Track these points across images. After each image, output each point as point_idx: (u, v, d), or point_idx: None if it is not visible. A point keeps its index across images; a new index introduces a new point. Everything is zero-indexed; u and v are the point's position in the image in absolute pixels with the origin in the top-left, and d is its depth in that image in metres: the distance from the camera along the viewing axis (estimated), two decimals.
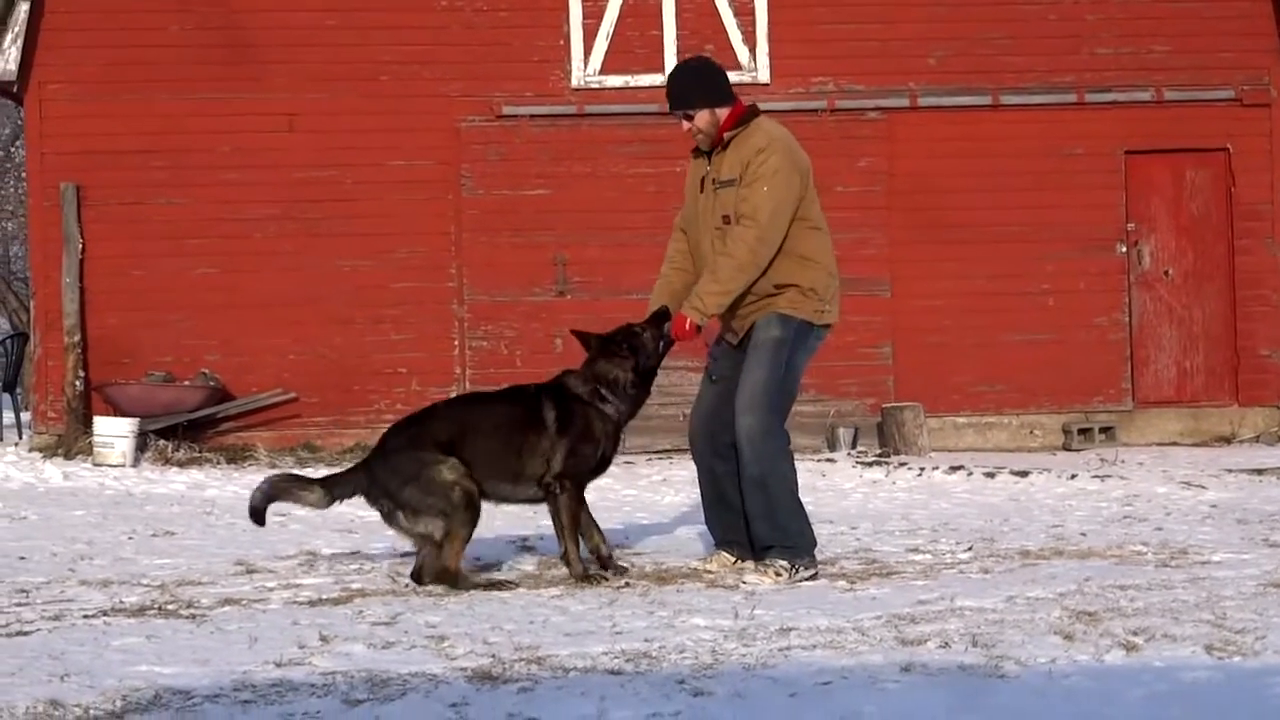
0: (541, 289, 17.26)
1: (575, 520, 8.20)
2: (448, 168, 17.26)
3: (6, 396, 19.69)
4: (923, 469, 14.53)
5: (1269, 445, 17.03)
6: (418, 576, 8.04)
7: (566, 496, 8.16)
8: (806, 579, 8.06)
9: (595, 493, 12.94)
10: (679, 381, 16.42)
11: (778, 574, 8.03)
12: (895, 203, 17.39)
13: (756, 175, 8.13)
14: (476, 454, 8.06)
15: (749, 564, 8.32)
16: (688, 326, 8.17)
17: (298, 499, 8.29)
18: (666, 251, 8.69)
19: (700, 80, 8.39)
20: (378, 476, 8.05)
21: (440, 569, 7.94)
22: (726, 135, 8.29)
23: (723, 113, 8.30)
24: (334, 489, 8.17)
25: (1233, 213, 17.83)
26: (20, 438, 18.20)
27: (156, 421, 16.10)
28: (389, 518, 8.05)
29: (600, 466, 8.39)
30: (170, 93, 17.06)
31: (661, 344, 8.33)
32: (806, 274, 8.27)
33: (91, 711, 5.42)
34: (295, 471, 8.27)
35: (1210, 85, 17.70)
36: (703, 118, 8.29)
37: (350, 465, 8.26)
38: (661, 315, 8.33)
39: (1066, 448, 17.07)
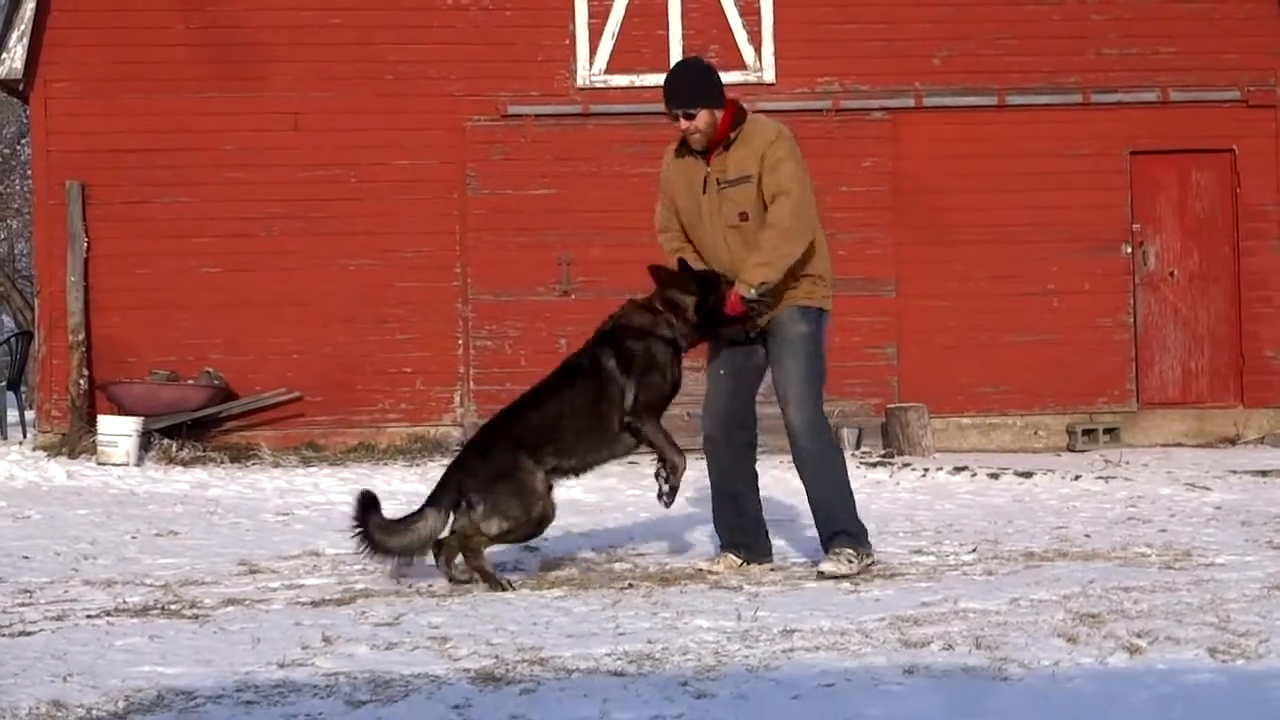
0: (546, 288, 17.26)
1: (669, 434, 8.31)
2: (453, 167, 17.27)
3: (11, 395, 19.71)
4: (927, 470, 14.53)
5: (1274, 447, 17.01)
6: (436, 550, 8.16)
7: (650, 425, 8.28)
8: (868, 564, 8.30)
9: (601, 493, 13.00)
10: (684, 382, 16.38)
11: (850, 561, 8.20)
12: (900, 203, 17.39)
13: (778, 158, 8.21)
14: (569, 439, 8.20)
15: (753, 566, 8.42)
16: (734, 300, 8.16)
17: (408, 547, 8.07)
18: (670, 246, 8.63)
19: (703, 81, 8.40)
20: (475, 469, 8.10)
21: (469, 544, 8.05)
22: (733, 135, 8.31)
23: (719, 114, 8.32)
24: (441, 504, 8.11)
25: (1238, 214, 17.82)
26: (24, 436, 18.23)
27: (160, 420, 16.12)
28: (469, 510, 8.04)
29: (672, 391, 8.42)
30: (175, 91, 17.08)
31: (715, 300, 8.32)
32: (817, 262, 8.39)
33: (94, 712, 5.42)
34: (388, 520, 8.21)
35: (1216, 86, 17.69)
36: (703, 118, 8.29)
37: (442, 476, 8.27)
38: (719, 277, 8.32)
39: (1071, 449, 17.07)
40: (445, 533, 8.13)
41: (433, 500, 8.16)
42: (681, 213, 8.53)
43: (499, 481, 8.04)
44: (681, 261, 8.36)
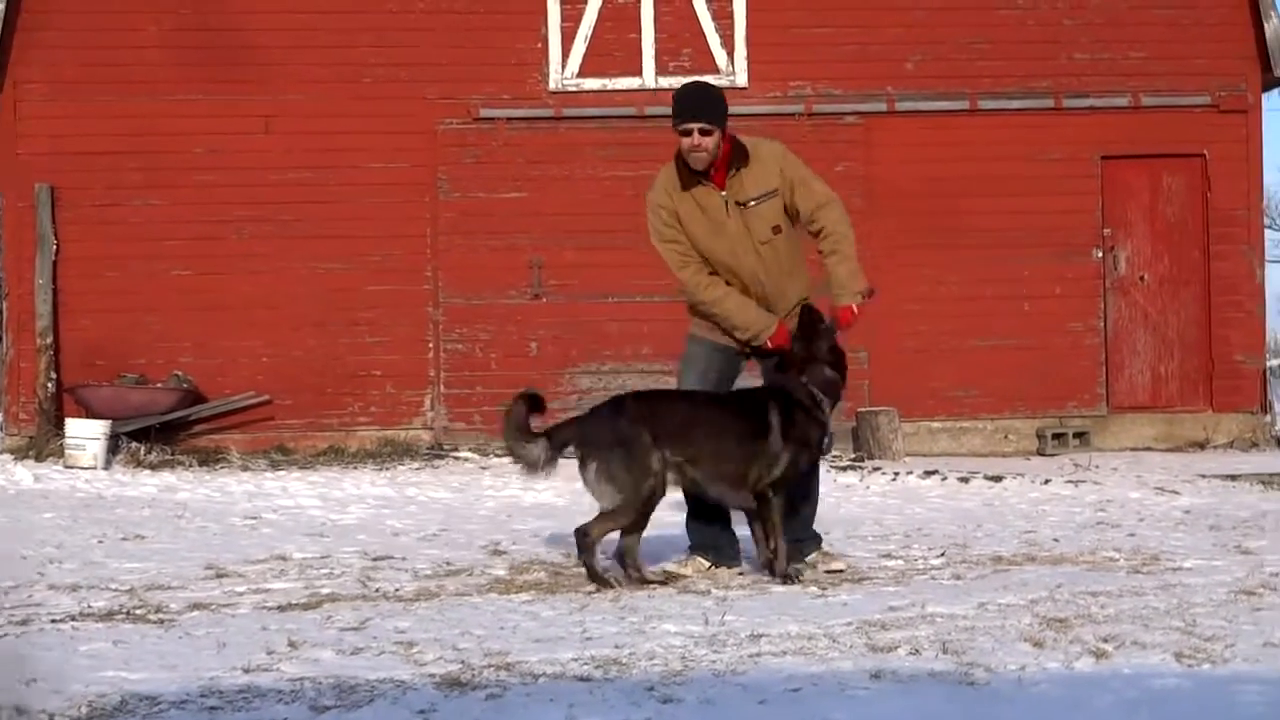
0: (517, 292, 17.24)
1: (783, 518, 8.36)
2: (424, 170, 17.24)
3: None
4: (897, 474, 14.54)
5: (1242, 451, 17.08)
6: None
7: (779, 499, 8.28)
8: None
9: (570, 496, 12.98)
10: (655, 385, 16.39)
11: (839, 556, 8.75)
12: (872, 207, 17.36)
13: (801, 172, 8.45)
14: (703, 454, 8.15)
15: (721, 570, 8.47)
16: (855, 312, 8.39)
17: (519, 457, 8.25)
18: (700, 280, 8.44)
19: (719, 102, 8.45)
20: (594, 429, 8.11)
21: (581, 529, 8.11)
22: (750, 154, 8.39)
23: (721, 138, 8.38)
24: (554, 439, 8.17)
25: (1208, 218, 17.88)
26: None
27: (128, 424, 16.05)
28: (583, 467, 8.10)
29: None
30: (147, 94, 17.04)
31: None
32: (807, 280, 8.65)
33: (57, 718, 5.38)
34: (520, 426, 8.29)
35: (1187, 91, 17.75)
36: (715, 138, 8.32)
37: (574, 416, 8.39)
38: (817, 313, 8.41)
39: (1041, 453, 17.10)
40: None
41: (550, 432, 8.17)
42: (699, 241, 8.43)
43: (615, 449, 8.03)
44: (801, 337, 8.38)
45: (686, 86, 8.70)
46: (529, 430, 8.19)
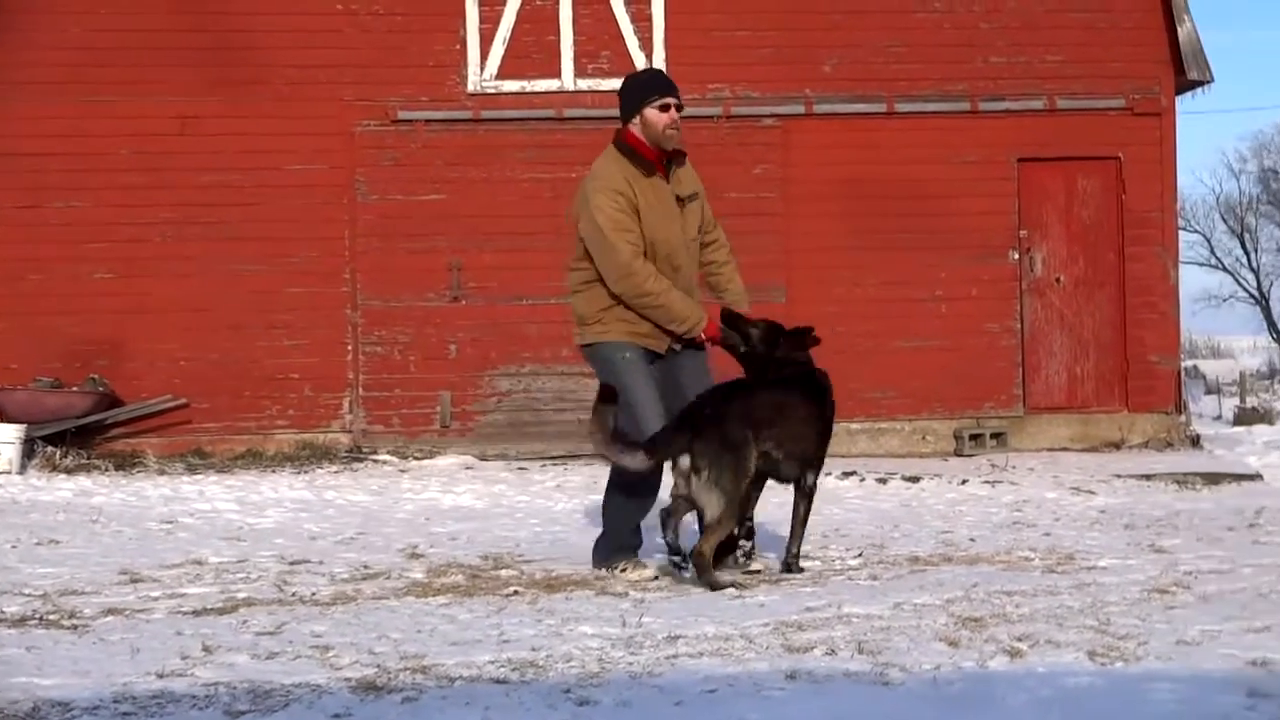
0: (436, 294, 17.18)
1: None
2: (342, 172, 17.17)
3: None
4: None
5: (1157, 451, 17.24)
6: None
7: (815, 485, 8.62)
8: None
9: (489, 499, 12.95)
10: (574, 387, 16.43)
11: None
12: (790, 209, 17.45)
13: (700, 186, 8.66)
14: (784, 436, 8.24)
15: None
16: None
17: (625, 463, 8.19)
18: (650, 270, 8.31)
19: None
20: (707, 435, 8.01)
21: (696, 550, 8.00)
22: (684, 155, 8.57)
23: None
24: (661, 453, 8.09)
25: (1123, 220, 18.03)
26: None
27: (44, 427, 15.90)
28: (691, 472, 8.01)
29: None
30: (68, 95, 16.90)
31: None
32: None
33: None
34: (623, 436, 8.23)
35: (1102, 94, 17.89)
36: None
37: (673, 424, 8.20)
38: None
39: (958, 453, 17.20)
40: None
41: (654, 450, 8.08)
42: (654, 230, 8.38)
43: (725, 454, 8.00)
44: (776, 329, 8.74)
45: (649, 70, 8.85)
46: (630, 439, 8.15)
